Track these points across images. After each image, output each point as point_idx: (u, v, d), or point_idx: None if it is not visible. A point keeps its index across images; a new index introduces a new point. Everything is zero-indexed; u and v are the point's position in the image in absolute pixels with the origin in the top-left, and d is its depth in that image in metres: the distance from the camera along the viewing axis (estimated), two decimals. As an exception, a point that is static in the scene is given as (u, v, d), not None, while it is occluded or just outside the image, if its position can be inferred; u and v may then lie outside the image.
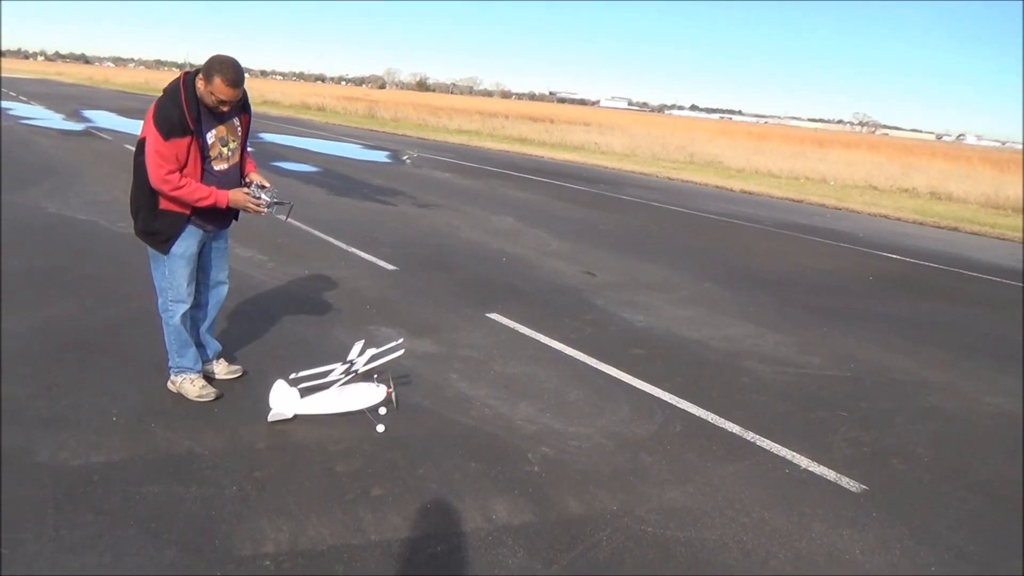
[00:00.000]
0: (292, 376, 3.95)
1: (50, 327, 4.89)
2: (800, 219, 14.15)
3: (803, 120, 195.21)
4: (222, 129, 3.77)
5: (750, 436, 4.19)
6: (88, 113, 26.77)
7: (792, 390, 4.98)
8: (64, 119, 23.27)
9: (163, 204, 3.70)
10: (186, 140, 3.57)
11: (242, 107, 3.90)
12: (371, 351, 4.09)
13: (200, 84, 3.59)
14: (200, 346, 4.24)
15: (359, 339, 5.00)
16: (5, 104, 27.98)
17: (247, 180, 3.95)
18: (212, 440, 3.59)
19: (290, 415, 3.84)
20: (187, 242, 3.84)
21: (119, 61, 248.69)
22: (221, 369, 4.35)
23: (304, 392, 3.92)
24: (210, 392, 4.03)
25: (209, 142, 3.72)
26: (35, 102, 30.89)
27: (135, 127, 22.01)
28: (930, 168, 24.62)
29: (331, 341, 5.11)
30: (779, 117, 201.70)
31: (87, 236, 7.59)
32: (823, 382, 5.20)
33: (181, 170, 3.62)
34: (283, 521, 2.99)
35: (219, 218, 3.96)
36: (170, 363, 4.06)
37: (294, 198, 4.18)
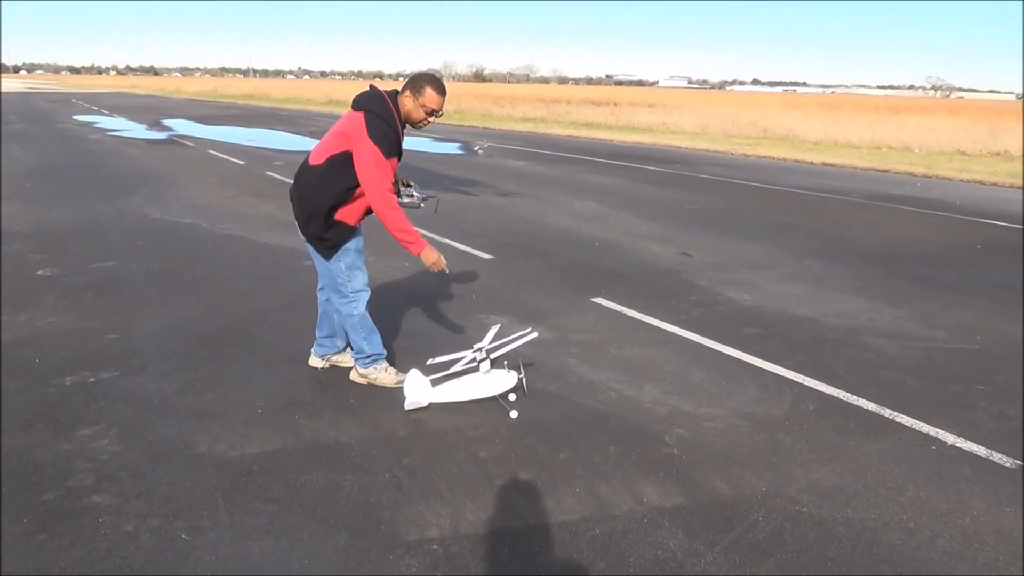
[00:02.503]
0: (429, 363, 4.02)
1: (181, 326, 5.08)
2: (890, 189, 13.67)
3: (872, 88, 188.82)
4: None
5: (887, 413, 4.07)
6: (168, 122, 27.70)
7: (921, 365, 4.82)
8: (147, 129, 24.14)
9: (338, 215, 3.85)
10: (393, 161, 3.77)
11: None
12: (500, 339, 4.12)
13: (407, 101, 3.76)
14: (333, 336, 4.37)
15: (472, 327, 5.08)
16: (92, 118, 29.22)
17: (395, 179, 4.02)
18: (355, 429, 3.68)
19: (425, 403, 3.90)
20: (358, 237, 4.03)
21: (186, 71, 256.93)
22: (349, 358, 4.46)
23: (435, 380, 3.98)
24: (404, 377, 4.02)
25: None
26: (116, 114, 32.13)
27: (214, 133, 22.72)
28: (1019, 130, 23.43)
29: (446, 330, 5.19)
30: (846, 86, 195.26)
31: (193, 239, 7.86)
32: (952, 355, 5.01)
33: None
34: (440, 506, 3.04)
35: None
36: (356, 354, 4.15)
37: None
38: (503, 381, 3.97)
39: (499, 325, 4.31)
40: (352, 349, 4.19)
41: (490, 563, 2.70)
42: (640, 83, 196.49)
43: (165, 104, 44.10)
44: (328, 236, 3.90)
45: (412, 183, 4.09)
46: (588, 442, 3.64)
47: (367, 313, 4.10)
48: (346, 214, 3.88)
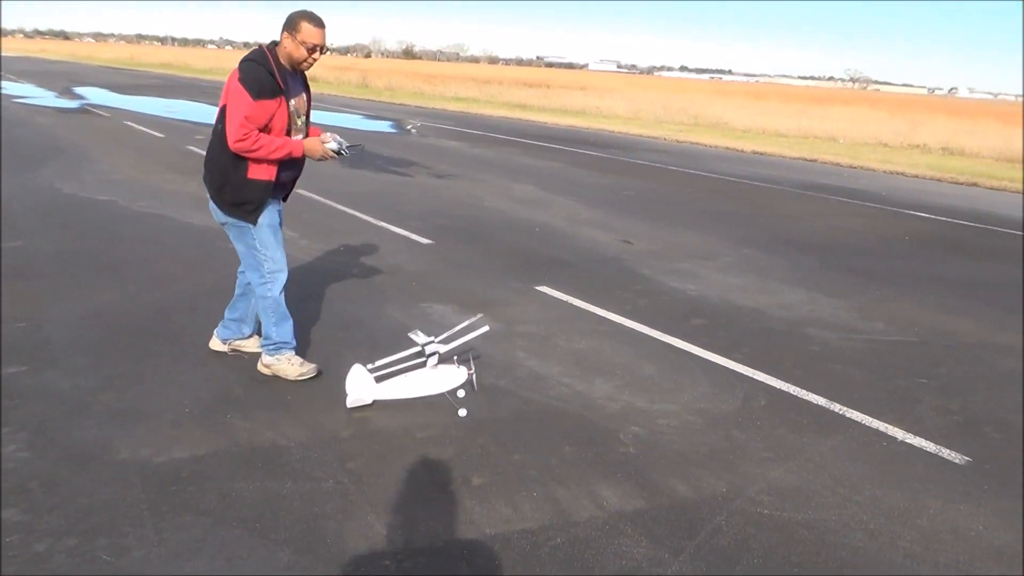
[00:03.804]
0: (371, 366, 3.78)
1: (98, 314, 4.70)
2: (819, 179, 13.96)
3: (793, 78, 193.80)
4: (297, 100, 3.74)
5: (837, 408, 4.06)
6: (80, 90, 26.21)
7: (865, 358, 4.85)
8: (57, 96, 22.77)
9: (251, 173, 3.63)
10: (276, 102, 3.55)
11: (306, 87, 3.93)
12: (450, 332, 3.92)
13: (287, 41, 3.60)
14: (241, 321, 4.19)
15: (414, 316, 4.91)
16: (-6, 82, 27.42)
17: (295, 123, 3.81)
18: (294, 430, 3.43)
19: (369, 401, 3.68)
20: (270, 213, 3.80)
21: (99, 36, 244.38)
22: (253, 344, 4.24)
23: (380, 377, 3.76)
24: (309, 370, 3.87)
25: (291, 110, 3.67)
26: (24, 80, 30.23)
27: (131, 103, 21.64)
28: (935, 123, 24.40)
29: (387, 320, 4.95)
30: (769, 75, 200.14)
31: (110, 217, 7.36)
32: (893, 348, 5.06)
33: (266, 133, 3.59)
34: (391, 516, 2.84)
35: (285, 184, 3.91)
36: (264, 341, 3.91)
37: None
38: (452, 377, 3.78)
39: (485, 328, 4.08)
40: (260, 336, 3.96)
41: (447, 579, 2.53)
42: (570, 65, 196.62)
43: (77, 71, 41.82)
44: (245, 198, 3.67)
45: (336, 137, 3.84)
46: (542, 442, 3.48)
47: (282, 298, 3.86)
48: (258, 170, 3.65)
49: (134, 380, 3.83)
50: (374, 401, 3.70)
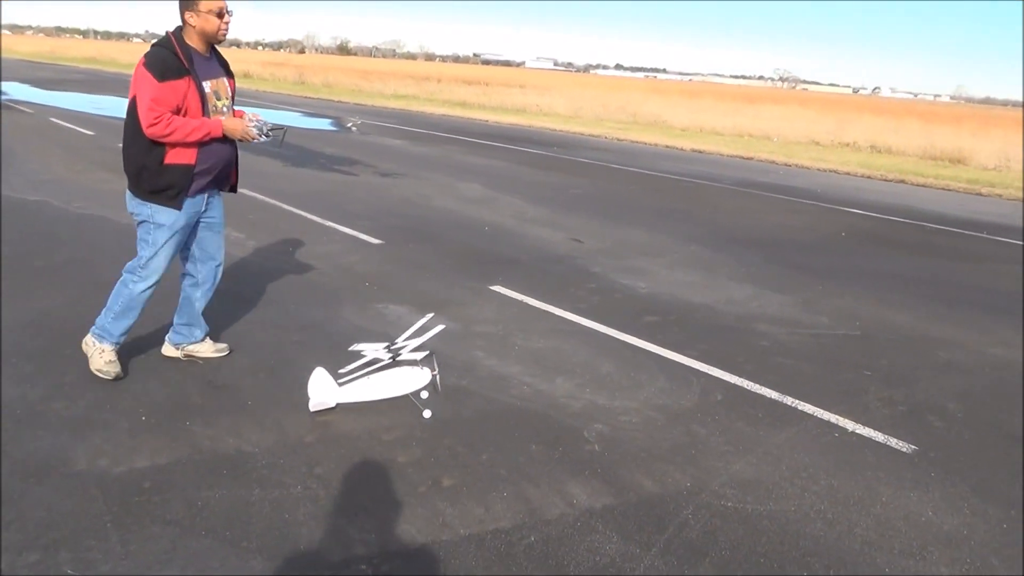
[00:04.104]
0: (351, 348, 3.74)
1: (40, 320, 4.53)
2: (757, 177, 14.32)
3: (725, 76, 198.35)
4: (215, 83, 3.68)
5: (790, 401, 4.19)
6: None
7: (812, 351, 5.01)
8: (-25, 91, 21.73)
9: (169, 158, 3.54)
10: (183, 82, 3.48)
11: (228, 72, 3.87)
12: (409, 332, 3.90)
13: (193, 19, 3.53)
14: (191, 325, 4.10)
15: (369, 318, 4.89)
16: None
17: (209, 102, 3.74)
18: (257, 436, 3.38)
19: (333, 404, 3.64)
20: (183, 214, 3.71)
21: (15, 28, 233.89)
22: (207, 348, 4.16)
23: (342, 380, 3.72)
24: (112, 371, 3.77)
25: (206, 91, 3.60)
26: (-63, 73, 28.76)
27: (56, 99, 20.84)
28: (861, 122, 25.29)
29: (342, 322, 4.90)
30: (702, 74, 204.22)
31: (45, 219, 7.09)
32: (838, 341, 5.25)
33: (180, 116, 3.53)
34: (364, 520, 2.82)
35: (215, 172, 3.79)
36: (98, 321, 3.83)
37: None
38: (416, 378, 3.76)
39: (441, 327, 4.07)
40: (98, 313, 3.89)
41: (425, 582, 2.53)
42: (507, 63, 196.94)
43: (-6, 64, 39.94)
44: (165, 183, 3.59)
45: (259, 118, 3.76)
46: (509, 441, 3.51)
47: (140, 299, 3.80)
48: (177, 155, 3.57)
49: (85, 388, 3.71)
50: (337, 404, 3.66)
